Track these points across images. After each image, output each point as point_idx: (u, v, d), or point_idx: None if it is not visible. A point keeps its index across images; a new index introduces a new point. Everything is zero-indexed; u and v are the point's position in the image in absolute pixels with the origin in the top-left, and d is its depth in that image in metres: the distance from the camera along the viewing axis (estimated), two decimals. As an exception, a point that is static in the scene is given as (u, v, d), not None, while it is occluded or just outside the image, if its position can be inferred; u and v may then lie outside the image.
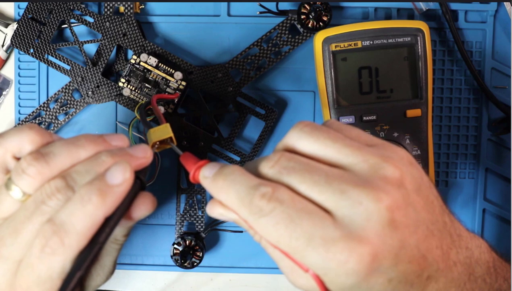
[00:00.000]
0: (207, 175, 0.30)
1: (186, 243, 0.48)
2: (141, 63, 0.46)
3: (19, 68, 0.49)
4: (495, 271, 0.32)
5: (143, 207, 0.31)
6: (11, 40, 0.47)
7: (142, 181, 0.31)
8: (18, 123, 0.48)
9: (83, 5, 0.47)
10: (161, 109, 0.46)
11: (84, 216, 0.28)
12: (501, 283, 0.32)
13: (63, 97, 0.48)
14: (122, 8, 0.47)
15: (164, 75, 0.46)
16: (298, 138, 0.29)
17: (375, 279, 0.27)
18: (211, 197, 0.30)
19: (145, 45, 0.47)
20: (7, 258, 0.29)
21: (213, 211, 0.30)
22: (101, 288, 0.45)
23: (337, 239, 0.26)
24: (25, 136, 0.31)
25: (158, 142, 0.36)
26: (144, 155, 0.31)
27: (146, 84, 0.46)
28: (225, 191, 0.29)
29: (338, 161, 0.28)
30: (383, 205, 0.26)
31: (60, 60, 0.47)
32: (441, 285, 0.29)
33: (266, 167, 0.29)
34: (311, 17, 0.45)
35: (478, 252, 0.31)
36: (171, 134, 0.36)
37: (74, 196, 0.29)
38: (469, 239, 0.31)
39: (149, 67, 0.46)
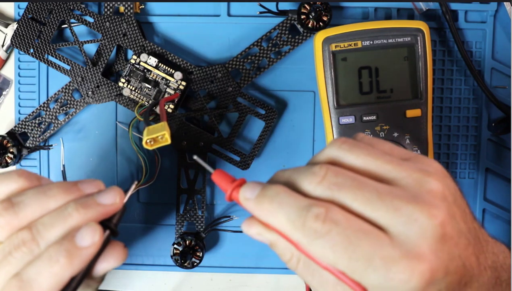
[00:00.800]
0: (249, 197, 0.29)
1: (186, 243, 0.48)
2: (141, 63, 0.46)
3: (19, 68, 0.49)
4: None
5: (111, 259, 0.31)
6: (11, 40, 0.47)
7: (112, 229, 0.31)
8: (18, 123, 0.48)
9: (83, 5, 0.47)
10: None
11: (50, 275, 0.29)
12: None
13: (63, 97, 0.48)
14: (122, 8, 0.47)
15: (164, 75, 0.46)
16: (337, 156, 0.29)
17: None
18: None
19: (145, 45, 0.47)
20: None
21: (250, 229, 0.30)
22: (101, 288, 0.45)
23: (397, 259, 0.26)
24: (13, 183, 0.32)
25: (152, 140, 0.36)
26: (112, 202, 0.31)
27: (146, 84, 0.46)
28: (273, 214, 0.28)
29: (383, 175, 0.28)
30: (437, 221, 0.27)
31: (60, 60, 0.47)
32: (474, 290, 0.29)
33: (314, 183, 0.28)
34: (311, 17, 0.45)
35: (502, 257, 0.31)
36: (164, 132, 0.37)
37: (43, 255, 0.29)
38: (494, 244, 0.31)
39: (149, 67, 0.46)
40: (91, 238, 0.30)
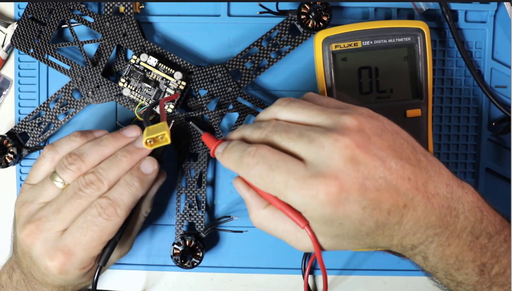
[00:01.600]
0: (219, 151, 0.38)
1: (186, 243, 0.48)
2: (141, 63, 0.46)
3: (19, 68, 0.49)
4: (480, 212, 0.35)
5: (161, 177, 0.44)
6: (11, 40, 0.47)
7: (159, 159, 0.42)
8: (18, 123, 0.48)
9: (83, 5, 0.47)
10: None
11: (129, 194, 0.40)
12: (487, 225, 0.35)
13: (63, 97, 0.48)
14: (122, 8, 0.47)
15: (164, 75, 0.46)
16: (278, 111, 0.37)
17: (349, 208, 0.33)
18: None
19: (145, 45, 0.47)
20: (49, 230, 0.40)
21: (234, 184, 0.39)
22: (102, 288, 0.45)
23: (307, 178, 0.33)
24: (74, 143, 0.42)
25: (152, 140, 0.39)
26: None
27: (146, 84, 0.46)
28: (228, 159, 0.37)
29: (309, 123, 0.35)
30: (341, 144, 0.32)
31: (60, 60, 0.47)
32: (420, 213, 0.34)
33: (258, 134, 0.36)
34: (311, 17, 0.45)
35: (460, 192, 0.35)
36: (164, 132, 0.38)
37: (120, 181, 0.40)
38: (451, 179, 0.35)
39: (149, 67, 0.46)
40: (152, 166, 0.41)
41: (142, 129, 0.42)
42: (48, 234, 0.40)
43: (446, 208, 0.34)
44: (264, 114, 0.38)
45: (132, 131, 0.43)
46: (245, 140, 0.37)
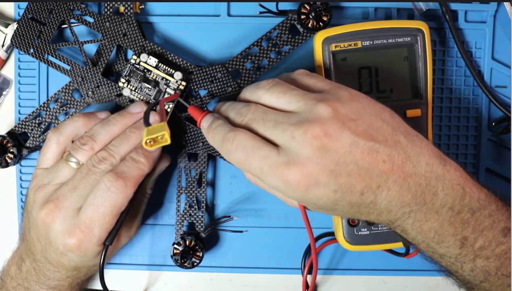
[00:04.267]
0: (204, 126, 0.41)
1: (186, 243, 0.48)
2: (141, 63, 0.46)
3: (19, 68, 0.49)
4: (462, 189, 0.36)
5: (164, 161, 0.46)
6: (11, 40, 0.47)
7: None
8: (18, 123, 0.48)
9: (83, 5, 0.47)
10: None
11: (136, 169, 0.42)
12: (469, 201, 0.36)
13: (63, 97, 0.48)
14: (122, 8, 0.47)
15: (164, 75, 0.46)
16: (261, 95, 0.39)
17: (320, 191, 0.35)
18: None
19: (145, 45, 0.47)
20: (68, 207, 0.42)
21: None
22: (99, 288, 0.45)
23: (279, 164, 0.35)
24: (77, 123, 0.44)
25: (152, 140, 0.39)
26: (153, 121, 0.44)
27: (146, 84, 0.46)
28: (212, 139, 0.39)
29: (288, 108, 0.37)
30: (309, 135, 0.34)
31: (60, 60, 0.47)
32: (394, 193, 0.35)
33: (239, 120, 0.39)
34: (311, 17, 0.45)
35: (441, 170, 0.36)
36: (164, 132, 0.38)
37: (127, 157, 0.43)
38: (433, 157, 0.36)
39: (149, 67, 0.46)
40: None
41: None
42: (67, 212, 0.42)
43: (424, 186, 0.35)
44: (249, 95, 0.40)
45: (136, 107, 0.45)
46: (229, 120, 0.40)
